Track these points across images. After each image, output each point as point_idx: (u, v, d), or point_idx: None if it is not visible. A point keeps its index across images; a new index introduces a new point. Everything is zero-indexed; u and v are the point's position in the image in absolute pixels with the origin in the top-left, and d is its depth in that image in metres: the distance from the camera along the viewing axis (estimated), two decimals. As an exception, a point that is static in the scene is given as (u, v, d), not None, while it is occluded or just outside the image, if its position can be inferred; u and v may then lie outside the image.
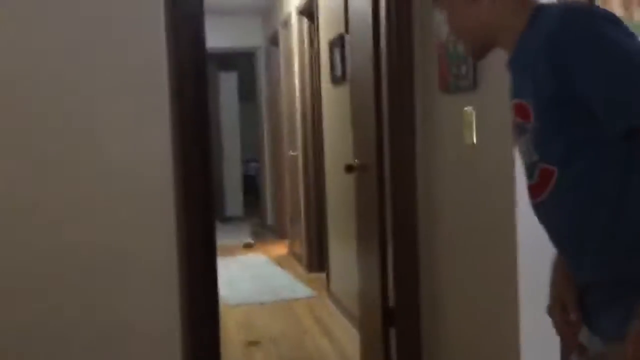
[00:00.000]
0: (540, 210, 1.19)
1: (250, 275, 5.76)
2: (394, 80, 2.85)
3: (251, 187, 9.97)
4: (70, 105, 1.90)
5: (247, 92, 9.61)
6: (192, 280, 2.65)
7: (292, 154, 6.40)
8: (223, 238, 7.91)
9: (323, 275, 5.11)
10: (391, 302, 2.98)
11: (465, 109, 2.33)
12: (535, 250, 1.90)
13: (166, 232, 1.94)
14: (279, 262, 6.37)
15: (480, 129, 2.26)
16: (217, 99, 9.48)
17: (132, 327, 1.94)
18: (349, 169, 3.31)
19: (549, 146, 1.10)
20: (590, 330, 1.15)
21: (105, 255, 1.90)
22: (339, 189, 4.37)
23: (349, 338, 3.78)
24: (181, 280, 2.39)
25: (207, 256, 2.71)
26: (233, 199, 9.50)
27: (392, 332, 2.97)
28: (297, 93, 5.99)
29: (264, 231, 8.52)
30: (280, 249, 7.16)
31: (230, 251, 7.12)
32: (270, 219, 8.51)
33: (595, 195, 1.07)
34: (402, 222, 2.88)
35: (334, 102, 4.48)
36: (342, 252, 4.32)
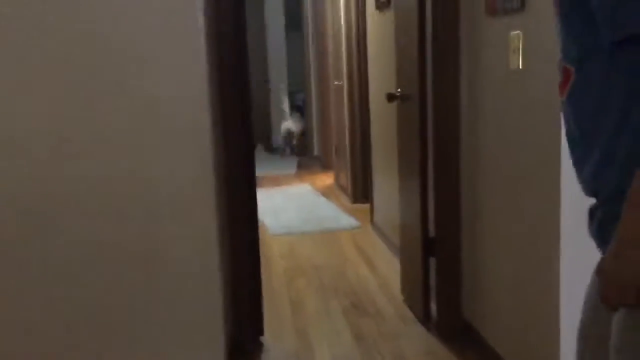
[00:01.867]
0: (563, 110, 1.17)
1: (295, 205, 5.81)
2: (438, 4, 2.72)
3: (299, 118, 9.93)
4: (105, 38, 1.88)
5: (293, 22, 9.42)
6: (232, 210, 2.68)
7: (337, 83, 6.30)
8: (269, 168, 8.00)
9: (367, 206, 5.11)
10: (431, 232, 2.95)
11: (512, 33, 2.20)
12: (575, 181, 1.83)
13: (202, 162, 1.93)
14: (324, 192, 6.40)
15: (527, 54, 2.14)
16: (264, 29, 9.35)
17: (167, 258, 1.98)
18: (391, 97, 3.22)
19: (567, 46, 1.09)
20: (603, 251, 1.10)
21: (140, 187, 1.92)
22: (383, 120, 4.29)
23: (390, 268, 3.80)
24: (220, 210, 2.41)
25: (247, 186, 2.73)
26: (280, 130, 9.52)
27: (432, 262, 2.96)
28: (342, 20, 5.83)
29: (310, 162, 8.55)
30: (326, 179, 7.18)
31: (277, 181, 7.20)
32: (316, 150, 8.51)
33: (601, 102, 1.04)
34: (444, 152, 2.81)
35: (379, 28, 4.33)
36: (386, 183, 4.28)
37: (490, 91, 2.47)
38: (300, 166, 8.30)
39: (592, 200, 1.19)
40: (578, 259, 1.96)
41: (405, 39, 3.09)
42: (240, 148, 2.64)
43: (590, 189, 1.15)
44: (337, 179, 6.72)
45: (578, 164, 1.18)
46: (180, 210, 1.92)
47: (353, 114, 5.68)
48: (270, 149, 9.50)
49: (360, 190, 5.66)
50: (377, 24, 4.39)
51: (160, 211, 1.92)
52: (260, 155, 9.06)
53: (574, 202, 1.97)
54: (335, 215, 5.33)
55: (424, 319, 3.00)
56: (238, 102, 2.61)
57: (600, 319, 1.12)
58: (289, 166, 8.24)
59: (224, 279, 2.56)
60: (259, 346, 2.88)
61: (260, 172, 7.82)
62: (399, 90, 3.21)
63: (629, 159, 1.01)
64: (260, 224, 5.15)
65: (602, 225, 1.09)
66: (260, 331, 2.93)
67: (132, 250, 1.92)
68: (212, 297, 1.98)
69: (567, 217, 1.96)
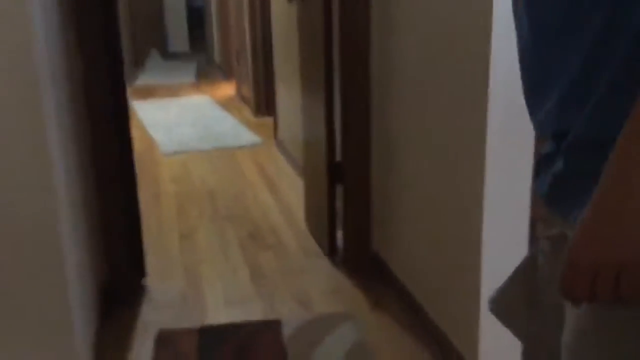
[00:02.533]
0: (515, 6, 0.86)
1: (192, 119, 5.28)
2: None
3: (199, 21, 9.13)
4: None
5: None
6: (95, 132, 2.19)
7: (236, -19, 5.65)
8: (165, 77, 7.31)
9: (271, 120, 4.67)
10: (338, 155, 2.58)
11: None
12: (508, 108, 1.50)
13: (25, 81, 1.41)
14: (225, 104, 5.88)
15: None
16: None
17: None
18: (292, -4, 2.74)
19: None
20: (554, 213, 0.83)
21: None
22: (286, 21, 3.78)
23: (294, 192, 3.44)
24: (66, 131, 1.91)
25: (113, 101, 2.22)
26: (177, 33, 8.73)
27: (339, 189, 2.61)
28: None
29: (211, 69, 7.91)
30: (228, 90, 6.63)
31: (173, 91, 6.59)
32: (217, 56, 7.85)
33: (572, 35, 0.75)
34: (351, 61, 2.40)
35: None
36: (290, 95, 3.84)
37: (408, -11, 2.05)
38: (199, 74, 7.65)
39: (542, 143, 0.86)
40: (503, 196, 1.69)
41: None
42: (98, 56, 2.10)
43: (547, 129, 0.84)
44: (239, 89, 6.19)
45: (533, 90, 0.85)
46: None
47: (254, 16, 5.10)
48: (166, 55, 8.72)
49: (264, 102, 5.20)
50: None
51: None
52: (155, 61, 8.30)
53: (503, 131, 1.65)
54: (235, 130, 4.87)
55: (330, 251, 2.69)
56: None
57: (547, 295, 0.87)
58: (187, 74, 7.58)
59: (89, 216, 2.10)
60: (140, 290, 2.47)
61: (154, 80, 7.17)
62: (300, -14, 2.72)
63: (615, 89, 0.71)
64: (150, 141, 4.66)
65: (559, 181, 0.79)
66: (141, 272, 2.52)
67: None
68: (52, 248, 1.52)
69: (493, 147, 1.64)
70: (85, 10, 2.07)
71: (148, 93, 6.48)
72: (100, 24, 2.11)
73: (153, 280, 2.55)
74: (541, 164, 0.85)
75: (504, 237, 1.72)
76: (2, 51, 1.38)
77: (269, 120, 4.80)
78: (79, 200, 1.96)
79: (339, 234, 2.68)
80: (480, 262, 1.74)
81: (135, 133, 4.84)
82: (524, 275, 0.94)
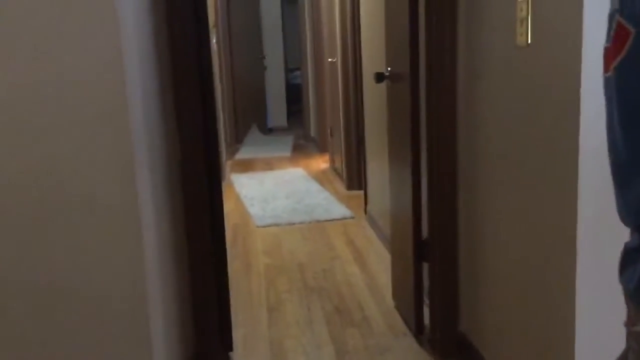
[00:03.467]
0: (606, 90, 0.80)
1: (286, 192, 5.43)
2: (432, -33, 2.30)
3: (296, 97, 9.51)
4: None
5: (290, -6, 8.97)
6: (189, 212, 2.31)
7: (330, 60, 5.88)
8: (263, 151, 7.61)
9: (362, 193, 4.72)
10: (425, 232, 2.57)
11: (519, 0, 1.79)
12: (600, 178, 1.45)
13: (119, 157, 1.54)
14: (318, 177, 6.02)
15: (536, 26, 1.74)
16: (258, 2, 8.90)
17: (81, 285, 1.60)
18: (380, 77, 2.82)
19: None
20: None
21: (61, 201, 1.54)
22: (377, 101, 3.88)
23: (383, 266, 3.42)
24: (159, 213, 2.04)
25: (207, 182, 2.34)
26: (276, 110, 9.11)
27: (426, 267, 2.58)
28: (336, -8, 5.39)
29: (306, 143, 8.15)
30: (321, 163, 6.80)
31: (269, 164, 6.82)
32: (313, 131, 8.10)
33: None
34: (438, 141, 2.41)
35: (373, 1, 3.90)
36: (380, 170, 3.89)
37: (493, 71, 2.07)
38: (295, 148, 7.91)
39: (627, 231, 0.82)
40: (598, 271, 1.61)
41: (395, 9, 2.67)
42: (196, 137, 2.25)
43: (630, 219, 0.79)
44: (332, 162, 6.33)
45: (620, 177, 0.80)
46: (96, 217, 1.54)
47: (347, 94, 5.26)
48: (265, 130, 9.10)
49: (356, 175, 5.28)
50: (370, -5, 3.96)
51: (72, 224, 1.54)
52: (254, 136, 8.67)
53: (595, 205, 1.59)
54: (327, 203, 4.95)
55: (416, 331, 2.64)
56: (193, 84, 2.22)
57: None
58: (284, 148, 7.85)
59: (179, 288, 2.20)
60: (226, 363, 2.52)
61: (253, 154, 7.48)
62: (388, 68, 2.81)
63: None
64: (246, 213, 4.83)
65: None
66: (228, 346, 2.57)
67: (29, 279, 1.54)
68: (140, 322, 1.60)
69: (585, 220, 1.58)
70: (184, 100, 2.23)
71: (246, 166, 6.75)
72: (198, 110, 2.27)
73: (239, 353, 2.59)
74: (626, 257, 0.81)
75: (597, 330, 1.63)
76: (104, 141, 1.51)
77: (360, 193, 4.86)
78: (170, 271, 2.06)
79: (427, 312, 2.62)
80: (574, 354, 1.65)
81: (232, 205, 5.07)
82: None
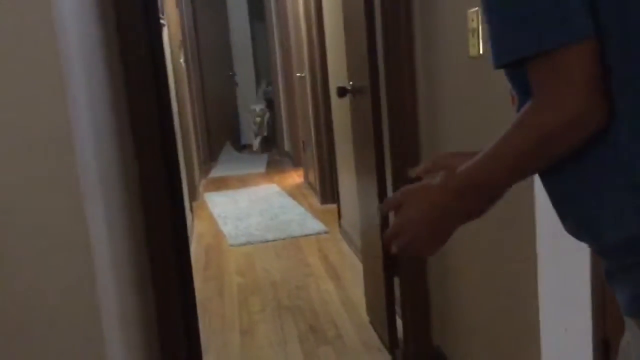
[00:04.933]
0: None
1: (260, 209, 5.39)
2: (386, -20, 2.30)
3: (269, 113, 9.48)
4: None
5: (257, 11, 8.96)
6: (152, 240, 2.26)
7: (299, 75, 5.88)
8: (237, 168, 7.56)
9: (336, 207, 4.69)
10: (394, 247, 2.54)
11: (470, 10, 1.79)
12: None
13: (66, 185, 1.50)
14: (292, 193, 5.99)
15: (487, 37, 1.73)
16: (226, 19, 8.89)
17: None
18: (342, 92, 2.81)
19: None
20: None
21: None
22: (344, 114, 3.87)
23: (357, 281, 3.39)
24: (117, 242, 1.99)
25: (169, 211, 2.29)
26: (249, 127, 9.07)
27: (397, 282, 2.56)
28: (301, 8, 5.39)
29: (281, 158, 8.12)
30: (296, 178, 6.77)
31: (244, 182, 6.78)
32: (287, 145, 8.08)
33: None
34: (401, 154, 2.40)
35: (335, 16, 3.90)
36: (351, 183, 3.86)
37: (450, 82, 2.06)
38: (269, 164, 7.87)
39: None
40: (557, 276, 1.60)
41: (353, 23, 2.67)
42: (153, 158, 2.20)
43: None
44: (306, 177, 6.31)
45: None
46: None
47: (317, 108, 5.25)
48: (239, 147, 9.05)
49: (329, 189, 5.25)
50: (333, 12, 3.96)
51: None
52: (228, 153, 8.62)
53: (551, 210, 1.59)
54: (301, 219, 4.92)
55: (391, 346, 2.61)
56: (149, 99, 2.17)
57: None
58: (259, 165, 7.81)
59: (142, 319, 2.14)
60: (199, 389, 2.46)
61: (227, 172, 7.43)
62: (350, 82, 2.80)
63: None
64: (219, 232, 4.78)
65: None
66: (200, 372, 2.52)
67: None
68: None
69: (543, 225, 1.57)
70: (140, 116, 2.19)
71: (220, 184, 6.70)
72: (155, 126, 2.22)
73: (212, 378, 2.54)
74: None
75: (561, 337, 1.62)
76: (48, 169, 1.47)
77: (334, 207, 4.83)
78: (132, 299, 2.01)
79: (400, 326, 2.60)
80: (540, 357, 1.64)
81: (205, 225, 5.01)
82: None
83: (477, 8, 1.76)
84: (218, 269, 3.97)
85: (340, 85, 2.97)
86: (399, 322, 2.59)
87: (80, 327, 1.54)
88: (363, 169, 2.79)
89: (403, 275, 2.51)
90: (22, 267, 1.49)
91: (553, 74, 0.75)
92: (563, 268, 1.60)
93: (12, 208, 1.46)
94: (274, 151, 8.57)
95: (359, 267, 3.55)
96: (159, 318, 2.33)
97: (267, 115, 8.59)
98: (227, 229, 4.79)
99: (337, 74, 4.04)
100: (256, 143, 8.58)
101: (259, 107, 8.65)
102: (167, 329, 2.35)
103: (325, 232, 4.52)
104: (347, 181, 4.07)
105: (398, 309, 2.61)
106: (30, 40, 1.41)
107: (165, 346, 2.35)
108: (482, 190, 0.90)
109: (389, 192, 2.51)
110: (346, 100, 3.42)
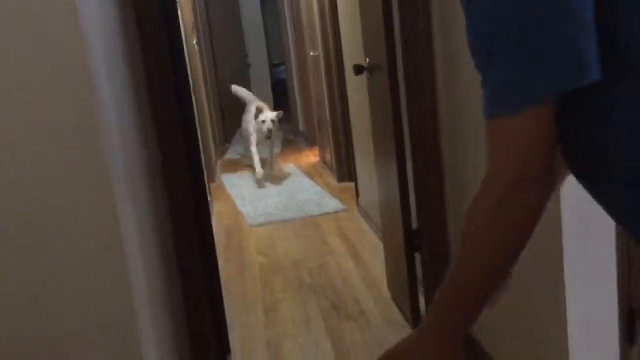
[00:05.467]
0: None
1: (277, 189, 5.41)
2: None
3: (283, 92, 9.45)
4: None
5: (268, -11, 8.91)
6: (175, 222, 2.29)
7: (312, 54, 5.85)
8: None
9: (353, 184, 4.70)
10: (414, 223, 2.56)
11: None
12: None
13: (94, 169, 1.52)
14: (309, 172, 6.00)
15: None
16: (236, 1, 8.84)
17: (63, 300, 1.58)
18: (358, 69, 2.80)
19: None
20: None
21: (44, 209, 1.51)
22: (360, 92, 3.86)
23: (377, 257, 3.41)
24: (143, 225, 2.02)
25: (190, 192, 2.32)
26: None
27: (418, 257, 2.58)
28: (313, -16, 5.35)
29: (296, 138, 8.13)
30: (311, 157, 6.77)
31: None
32: (301, 125, 8.07)
33: None
34: (420, 132, 2.40)
35: (348, -10, 3.87)
36: (368, 162, 3.87)
37: (469, 56, 2.05)
38: (284, 144, 7.87)
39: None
40: (583, 248, 1.61)
41: (368, 0, 2.65)
42: (175, 147, 2.23)
43: None
44: (322, 156, 6.32)
45: None
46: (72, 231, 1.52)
47: (331, 87, 5.24)
48: (254, 128, 9.04)
49: (346, 167, 5.26)
50: (346, -14, 3.93)
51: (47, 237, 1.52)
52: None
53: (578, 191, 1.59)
54: (319, 198, 4.94)
55: (413, 321, 2.63)
56: (167, 89, 2.19)
57: None
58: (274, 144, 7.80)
59: (169, 301, 2.18)
60: (225, 367, 2.52)
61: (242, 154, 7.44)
62: (367, 59, 2.79)
63: None
64: (238, 213, 4.82)
65: None
66: (225, 349, 2.57)
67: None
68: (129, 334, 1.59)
69: (570, 207, 1.58)
70: (160, 99, 2.21)
71: (236, 166, 6.72)
72: (176, 111, 2.25)
73: (237, 357, 2.58)
74: None
75: (588, 298, 1.63)
76: (76, 156, 1.49)
77: (351, 184, 4.84)
78: (160, 281, 2.05)
79: (423, 301, 2.62)
80: (567, 333, 1.65)
81: (223, 206, 5.04)
82: None
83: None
84: (239, 249, 4.01)
85: (357, 63, 2.96)
86: (422, 299, 2.61)
87: (110, 299, 1.57)
88: (381, 146, 2.80)
89: (424, 250, 2.52)
90: (55, 257, 1.52)
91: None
92: (588, 240, 1.61)
93: (45, 199, 1.49)
94: (289, 130, 8.57)
95: (378, 244, 3.58)
96: (185, 299, 2.37)
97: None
98: (246, 209, 4.82)
99: (352, 52, 4.02)
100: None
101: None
102: (194, 309, 2.39)
103: (343, 210, 4.53)
104: (365, 159, 4.07)
105: (419, 286, 2.63)
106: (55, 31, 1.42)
107: (193, 326, 2.40)
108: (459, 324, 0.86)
109: (408, 169, 2.52)
110: (361, 78, 3.41)
